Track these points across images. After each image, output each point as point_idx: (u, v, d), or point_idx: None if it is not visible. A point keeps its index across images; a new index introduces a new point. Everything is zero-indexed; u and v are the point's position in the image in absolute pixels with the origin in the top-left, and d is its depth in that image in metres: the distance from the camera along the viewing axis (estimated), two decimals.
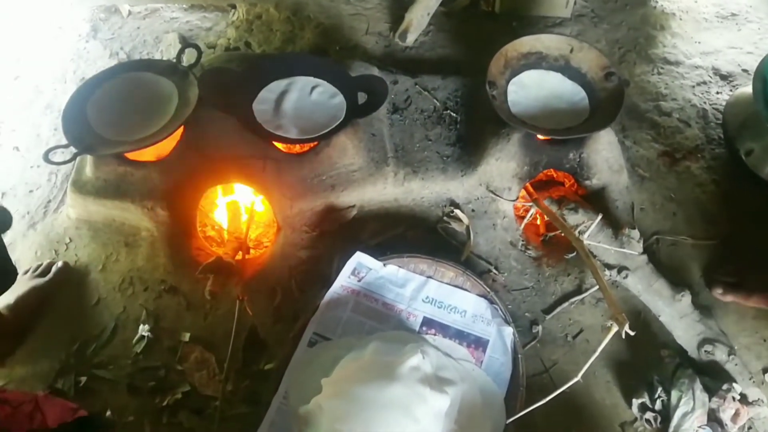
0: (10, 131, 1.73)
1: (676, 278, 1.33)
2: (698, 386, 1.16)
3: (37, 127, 1.72)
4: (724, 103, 1.66)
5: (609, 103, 1.44)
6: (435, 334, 1.30)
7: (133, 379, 1.28)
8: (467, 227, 1.46)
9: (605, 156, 1.45)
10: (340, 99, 1.50)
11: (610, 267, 1.32)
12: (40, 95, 1.80)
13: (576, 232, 1.28)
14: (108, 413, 1.24)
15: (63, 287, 1.41)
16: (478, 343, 1.28)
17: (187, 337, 1.33)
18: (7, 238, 1.49)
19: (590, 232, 1.28)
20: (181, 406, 1.25)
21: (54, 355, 1.31)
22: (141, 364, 1.30)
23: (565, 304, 1.35)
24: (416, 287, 1.35)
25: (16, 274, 1.30)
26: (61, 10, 1.98)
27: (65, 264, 1.44)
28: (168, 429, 1.23)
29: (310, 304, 1.32)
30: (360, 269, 1.35)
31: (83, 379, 1.27)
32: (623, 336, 1.03)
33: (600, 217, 1.29)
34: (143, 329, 1.33)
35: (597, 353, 1.02)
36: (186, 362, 1.30)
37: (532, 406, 1.11)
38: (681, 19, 1.90)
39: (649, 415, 1.18)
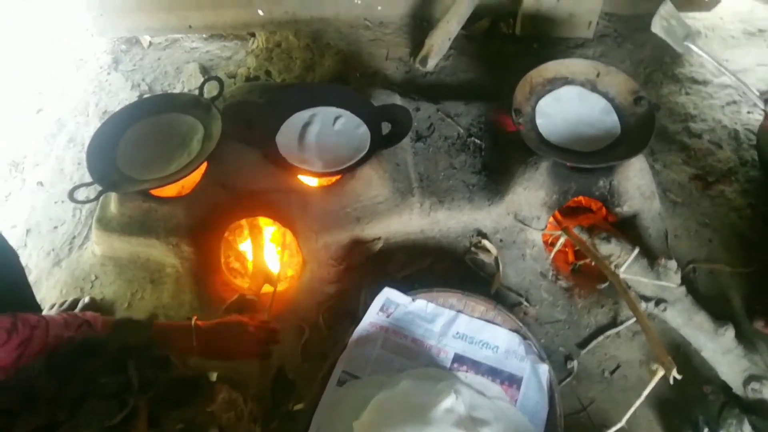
0: (34, 165, 1.73)
1: (715, 309, 1.28)
2: (747, 427, 1.11)
3: (61, 161, 1.73)
4: (755, 123, 1.62)
5: (639, 129, 1.40)
6: (467, 371, 1.27)
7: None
8: (496, 258, 1.42)
9: (637, 183, 1.41)
10: (363, 129, 1.48)
11: (647, 299, 1.28)
12: (63, 128, 1.80)
13: (612, 266, 1.25)
14: None
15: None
16: (511, 381, 1.24)
17: (214, 377, 1.30)
18: (32, 276, 1.49)
19: (627, 265, 1.25)
20: None
21: None
22: None
23: (600, 338, 1.31)
24: (446, 322, 1.31)
25: (41, 311, 1.29)
26: (82, 42, 1.99)
27: (92, 300, 1.43)
28: None
29: (338, 341, 1.29)
30: (388, 305, 1.32)
31: None
32: (671, 382, 0.99)
33: (637, 251, 1.26)
34: None
35: (642, 398, 0.98)
36: (214, 403, 1.28)
37: None
38: (707, 36, 1.86)
39: None
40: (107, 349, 0.85)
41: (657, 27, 1.48)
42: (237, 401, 1.28)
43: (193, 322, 1.09)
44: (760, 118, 1.61)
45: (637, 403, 0.99)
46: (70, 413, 0.73)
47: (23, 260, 1.55)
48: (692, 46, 1.43)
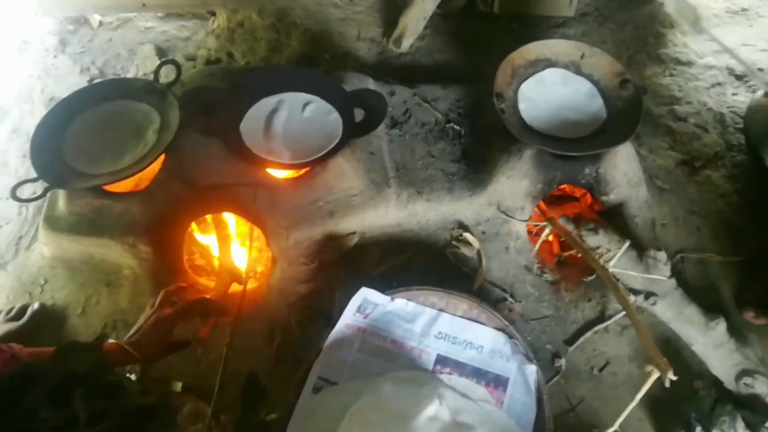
0: None
1: (705, 301, 1.24)
2: (740, 424, 1.07)
3: (4, 154, 1.58)
4: (741, 106, 1.57)
5: (626, 113, 1.34)
6: (450, 373, 1.19)
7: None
8: (478, 252, 1.35)
9: (624, 170, 1.35)
10: (335, 116, 1.38)
11: (636, 292, 1.23)
12: (6, 117, 1.65)
13: (600, 260, 1.18)
14: None
15: (39, 332, 1.28)
16: (497, 382, 1.18)
17: (179, 386, 1.21)
18: None
19: (616, 260, 1.19)
20: None
21: None
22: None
23: (588, 334, 1.26)
24: (427, 322, 1.24)
25: None
26: (25, 22, 1.82)
27: (41, 306, 1.31)
28: None
29: (312, 344, 1.20)
30: (366, 306, 1.23)
31: None
32: (666, 384, 0.94)
33: (627, 244, 1.20)
34: (132, 375, 1.21)
35: (635, 402, 0.92)
36: (179, 415, 1.18)
37: None
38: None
39: None
40: (49, 378, 0.74)
41: (671, 7, 1.40)
42: (204, 412, 1.19)
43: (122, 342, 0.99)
44: (746, 100, 1.56)
45: (630, 407, 0.93)
46: None
47: None
48: (706, 29, 1.36)
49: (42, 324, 1.28)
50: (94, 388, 0.76)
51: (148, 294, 1.29)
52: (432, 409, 1.08)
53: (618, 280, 1.24)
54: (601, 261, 1.20)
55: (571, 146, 1.32)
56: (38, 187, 1.24)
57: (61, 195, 1.31)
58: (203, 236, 1.46)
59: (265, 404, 1.19)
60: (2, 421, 0.68)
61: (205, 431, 1.18)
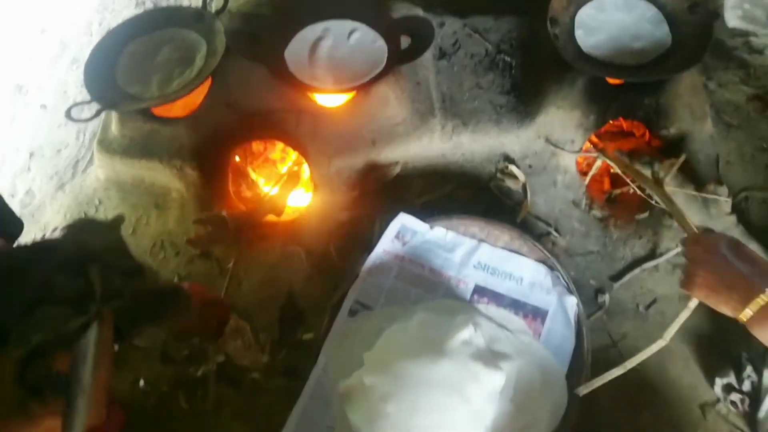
0: (37, 88, 1.66)
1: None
2: None
3: (64, 84, 1.65)
4: None
5: (694, 40, 1.23)
6: (488, 304, 1.17)
7: (166, 348, 1.22)
8: (524, 185, 1.30)
9: (687, 101, 1.25)
10: (380, 44, 1.35)
11: None
12: (66, 49, 1.71)
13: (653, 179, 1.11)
14: (141, 383, 1.18)
15: None
16: (536, 314, 1.15)
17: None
18: (36, 200, 1.44)
19: (671, 176, 1.11)
20: (216, 378, 1.18)
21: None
22: (173, 331, 1.23)
23: (636, 271, 1.20)
24: (467, 252, 1.21)
25: (22, 225, 1.20)
26: None
27: None
28: (203, 402, 1.16)
29: (350, 270, 1.21)
30: (404, 232, 1.22)
31: (115, 347, 1.22)
32: None
33: (684, 157, 1.11)
34: None
35: (690, 310, 0.87)
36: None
37: (601, 377, 0.97)
38: None
39: (735, 396, 1.04)
40: (63, 249, 0.74)
41: (733, 19, 1.26)
42: (244, 330, 1.23)
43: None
44: None
45: (686, 314, 0.88)
46: (20, 318, 0.66)
47: (27, 184, 1.50)
48: None
49: None
50: (111, 267, 0.75)
51: (194, 217, 1.33)
52: (466, 333, 1.06)
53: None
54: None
55: (629, 73, 1.23)
56: (92, 109, 1.28)
57: (114, 120, 1.35)
58: (253, 171, 1.48)
59: (302, 325, 1.21)
60: (15, 289, 0.68)
61: (246, 347, 1.22)
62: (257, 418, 1.14)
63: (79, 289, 0.69)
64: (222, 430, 1.14)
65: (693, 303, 0.87)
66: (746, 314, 0.73)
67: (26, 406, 0.66)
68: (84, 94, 1.58)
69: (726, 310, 0.77)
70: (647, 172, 1.18)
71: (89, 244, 0.76)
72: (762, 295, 0.72)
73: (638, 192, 1.25)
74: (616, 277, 1.21)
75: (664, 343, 0.88)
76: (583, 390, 0.99)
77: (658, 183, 1.07)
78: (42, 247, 0.75)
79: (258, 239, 1.30)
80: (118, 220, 0.87)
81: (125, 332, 0.80)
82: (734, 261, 0.77)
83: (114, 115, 1.35)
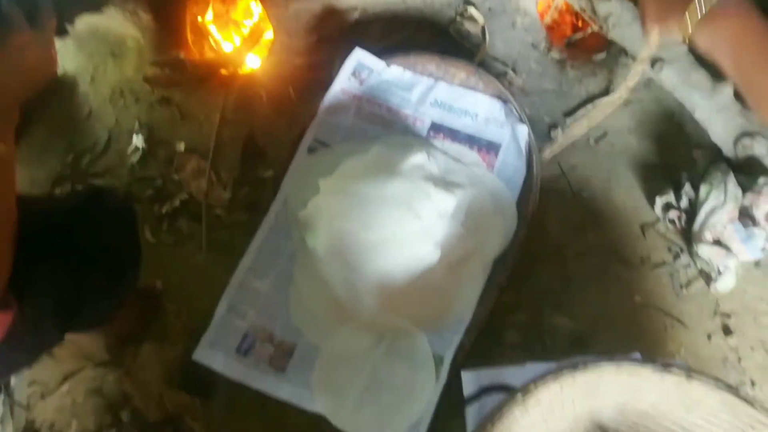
0: None
1: (718, 71, 1.17)
2: (731, 179, 1.05)
3: None
4: None
5: None
6: (443, 139, 1.20)
7: (130, 188, 1.25)
8: (483, 27, 1.30)
9: None
10: None
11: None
12: None
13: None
14: None
15: (53, 98, 1.34)
16: (490, 147, 1.18)
17: (182, 146, 1.27)
18: None
19: None
20: (180, 214, 1.22)
21: (49, 165, 1.27)
22: (137, 174, 1.26)
23: (589, 106, 1.23)
24: (424, 90, 1.23)
25: None
26: None
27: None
28: (168, 235, 1.21)
29: (309, 110, 1.22)
30: (360, 70, 1.23)
31: (80, 187, 1.24)
32: None
33: None
34: (137, 140, 1.27)
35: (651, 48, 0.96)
36: (183, 172, 1.25)
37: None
38: None
39: (673, 214, 1.09)
40: None
41: None
42: (206, 170, 1.26)
43: None
44: None
45: (645, 53, 0.97)
46: None
47: None
48: None
49: (56, 90, 1.34)
50: None
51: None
52: (419, 158, 1.10)
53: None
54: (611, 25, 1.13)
55: None
56: None
57: None
58: (214, 30, 1.45)
59: (262, 163, 1.24)
60: None
61: (208, 186, 1.25)
62: (220, 249, 1.19)
63: None
64: (186, 261, 1.19)
65: (652, 39, 0.95)
66: (687, 25, 0.80)
67: None
68: None
69: (675, 31, 0.84)
70: (606, 8, 1.18)
71: None
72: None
73: (596, 30, 1.25)
74: (570, 112, 1.23)
75: (626, 92, 0.92)
76: (548, 155, 1.05)
77: None
78: None
79: (217, 85, 1.29)
80: None
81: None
82: None
83: None
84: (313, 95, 1.27)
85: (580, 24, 1.33)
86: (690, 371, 0.83)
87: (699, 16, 0.79)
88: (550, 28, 1.33)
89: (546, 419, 0.93)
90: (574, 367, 0.86)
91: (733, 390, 0.82)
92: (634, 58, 1.16)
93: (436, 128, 1.21)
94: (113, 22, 1.32)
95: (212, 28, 1.43)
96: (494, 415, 0.86)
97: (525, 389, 0.86)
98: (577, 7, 1.22)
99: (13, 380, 1.11)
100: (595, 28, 1.18)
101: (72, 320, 0.83)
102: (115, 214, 0.92)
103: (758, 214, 1.04)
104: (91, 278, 0.85)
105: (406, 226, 1.04)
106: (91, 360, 1.13)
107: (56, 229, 0.80)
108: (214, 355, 1.05)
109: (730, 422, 0.86)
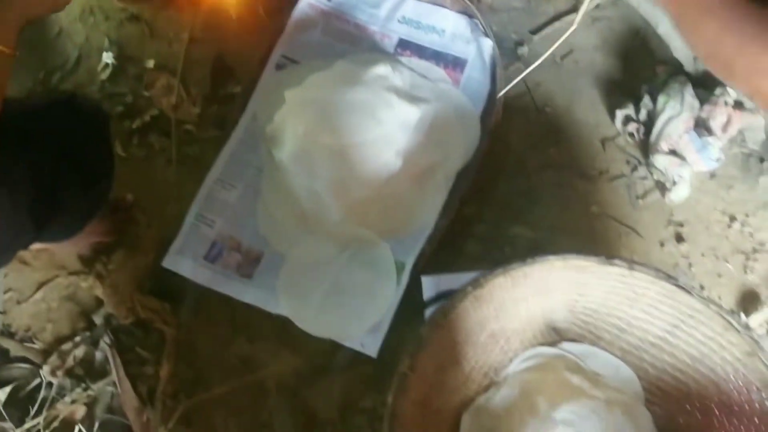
0: None
1: None
2: (689, 91, 1.06)
3: None
4: None
5: None
6: (410, 56, 1.21)
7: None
8: None
9: None
10: None
11: None
12: None
13: None
14: None
15: None
16: (456, 64, 1.19)
17: (152, 63, 1.27)
18: None
19: None
20: (150, 129, 1.23)
21: (20, 81, 1.28)
22: (108, 90, 1.27)
23: (557, 24, 1.23)
24: (392, 7, 1.23)
25: None
26: None
27: None
28: (138, 150, 1.22)
29: (278, 28, 1.23)
30: None
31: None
32: None
33: None
34: (107, 57, 1.28)
35: None
36: (153, 88, 1.26)
37: None
38: None
39: (632, 126, 1.11)
40: None
41: None
42: (175, 86, 1.26)
43: None
44: None
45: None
46: None
47: None
48: None
49: None
50: None
51: None
52: (383, 69, 1.11)
53: None
54: None
55: None
56: None
57: None
58: None
59: (232, 80, 1.25)
60: None
61: (177, 102, 1.26)
62: (189, 163, 1.21)
63: None
64: (156, 175, 1.21)
65: None
66: None
67: None
68: None
69: None
70: None
71: None
72: None
73: None
74: (537, 30, 1.24)
75: None
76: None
77: None
78: None
79: (186, 3, 1.29)
80: None
81: None
82: None
83: None
84: (282, 14, 1.27)
85: None
86: (632, 263, 0.87)
87: None
88: None
89: (498, 315, 0.97)
90: (523, 261, 0.89)
91: (673, 279, 0.86)
92: None
93: (404, 45, 1.21)
94: None
95: None
96: (447, 307, 0.90)
97: (476, 282, 0.90)
98: None
99: None
100: None
101: (47, 222, 0.85)
102: (90, 117, 0.95)
103: (714, 125, 1.06)
104: (66, 180, 0.87)
105: (368, 132, 1.06)
106: (64, 269, 1.16)
107: (33, 126, 0.83)
108: (182, 261, 1.08)
109: (671, 313, 0.90)
